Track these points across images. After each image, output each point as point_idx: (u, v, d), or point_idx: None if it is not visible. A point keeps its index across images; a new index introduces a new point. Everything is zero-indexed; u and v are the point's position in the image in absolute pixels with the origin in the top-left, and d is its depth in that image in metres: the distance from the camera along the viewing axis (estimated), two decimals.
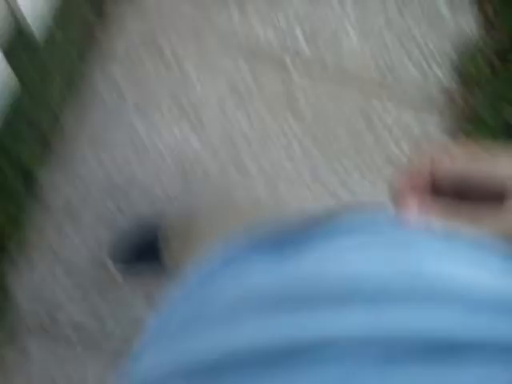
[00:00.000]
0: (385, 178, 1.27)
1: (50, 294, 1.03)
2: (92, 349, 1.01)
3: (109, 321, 1.04)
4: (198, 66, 1.22)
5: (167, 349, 0.27)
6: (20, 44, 1.05)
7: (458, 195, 0.29)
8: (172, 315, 0.30)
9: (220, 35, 1.25)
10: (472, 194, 0.29)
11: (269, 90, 1.24)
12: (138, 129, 1.16)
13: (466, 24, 1.45)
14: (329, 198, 1.23)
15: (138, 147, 1.15)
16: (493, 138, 1.34)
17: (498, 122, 1.35)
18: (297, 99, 1.25)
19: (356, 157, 1.26)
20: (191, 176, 1.16)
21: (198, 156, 1.17)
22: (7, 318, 1.00)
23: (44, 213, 1.07)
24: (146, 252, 1.05)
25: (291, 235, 0.30)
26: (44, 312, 1.02)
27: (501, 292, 0.20)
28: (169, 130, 1.17)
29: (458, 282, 0.21)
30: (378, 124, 1.30)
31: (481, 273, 0.22)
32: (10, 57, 0.97)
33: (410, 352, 0.19)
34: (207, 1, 1.26)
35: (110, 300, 1.05)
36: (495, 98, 1.39)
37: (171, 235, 0.91)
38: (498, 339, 0.19)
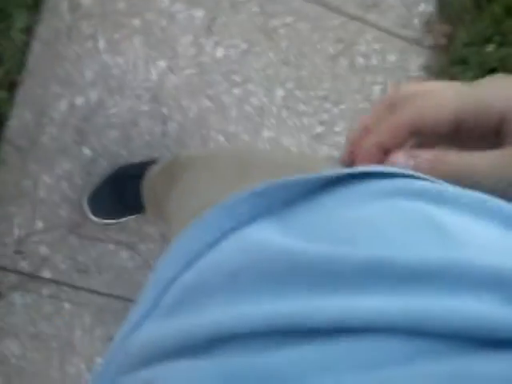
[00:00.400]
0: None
1: (30, 246, 0.98)
2: (79, 305, 0.99)
3: (93, 274, 1.00)
4: None
5: (168, 321, 0.25)
6: None
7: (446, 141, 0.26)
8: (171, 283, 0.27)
9: None
10: (464, 139, 0.26)
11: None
12: (111, 66, 1.06)
13: None
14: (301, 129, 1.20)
15: (112, 86, 1.06)
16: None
17: (482, 64, 1.33)
18: (272, 21, 1.18)
19: (334, 92, 1.22)
20: (169, 117, 1.09)
21: (175, 93, 1.09)
22: None
23: (13, 154, 0.99)
24: (127, 201, 1.00)
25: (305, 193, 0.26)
26: (26, 266, 0.97)
27: None
28: (145, 67, 1.08)
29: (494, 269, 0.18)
30: (359, 58, 1.25)
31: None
32: None
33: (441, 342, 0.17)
34: None
35: (93, 251, 1.01)
36: (480, 38, 1.36)
37: (155, 179, 0.85)
38: None
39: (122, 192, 1.01)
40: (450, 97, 0.26)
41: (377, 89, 1.27)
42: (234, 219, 0.26)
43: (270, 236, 0.24)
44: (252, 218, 0.26)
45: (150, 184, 0.86)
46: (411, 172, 0.25)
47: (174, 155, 0.72)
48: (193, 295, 0.24)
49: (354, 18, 1.26)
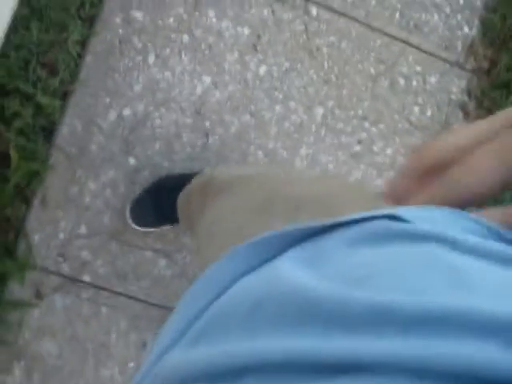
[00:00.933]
0: (402, 141, 1.25)
1: (72, 250, 1.01)
2: (116, 309, 1.01)
3: (131, 280, 1.03)
4: (221, 13, 1.15)
5: (191, 350, 0.26)
6: None
7: None
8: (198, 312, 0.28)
9: None
10: None
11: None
12: (159, 80, 1.10)
13: None
14: (342, 152, 1.20)
15: (159, 99, 1.09)
16: None
17: None
18: (315, 40, 1.20)
19: (373, 110, 1.23)
20: (211, 131, 1.12)
21: (218, 108, 1.12)
22: (31, 274, 0.99)
23: (62, 161, 1.03)
24: (165, 212, 1.03)
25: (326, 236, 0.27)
26: (68, 269, 1.01)
27: None
28: (190, 81, 1.12)
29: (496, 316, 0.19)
30: (399, 79, 1.26)
31: None
32: None
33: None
34: None
35: (132, 258, 1.04)
36: None
37: (191, 195, 0.88)
38: None
39: (161, 202, 1.03)
40: None
41: (416, 110, 1.27)
42: (261, 256, 0.28)
43: (290, 272, 0.25)
44: (276, 255, 0.28)
45: (184, 199, 0.88)
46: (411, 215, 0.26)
47: (210, 175, 0.74)
48: (214, 326, 0.26)
49: (396, 38, 1.27)
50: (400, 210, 0.26)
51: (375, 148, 1.22)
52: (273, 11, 1.18)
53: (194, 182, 0.87)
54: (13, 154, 0.96)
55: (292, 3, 1.20)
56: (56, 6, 1.03)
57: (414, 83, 1.28)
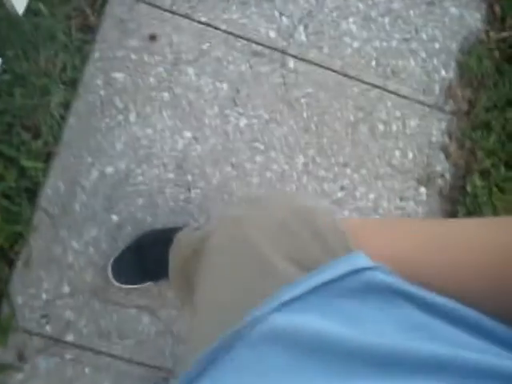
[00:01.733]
0: (383, 181, 1.26)
1: (56, 310, 1.01)
2: (99, 369, 1.00)
3: (115, 339, 1.02)
4: (200, 70, 1.18)
5: None
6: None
7: None
8: None
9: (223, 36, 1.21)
10: None
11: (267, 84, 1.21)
12: (140, 137, 1.13)
13: (474, 22, 1.42)
14: (321, 194, 1.21)
15: (141, 156, 1.12)
16: (500, 146, 1.32)
17: (504, 128, 1.34)
18: (293, 92, 1.23)
19: (354, 155, 1.24)
20: (193, 184, 1.14)
21: (199, 162, 1.14)
22: (14, 336, 0.99)
23: (45, 221, 1.05)
24: (148, 267, 1.03)
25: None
26: (51, 330, 1.00)
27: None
28: (172, 137, 1.14)
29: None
30: (379, 125, 1.28)
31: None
32: None
33: None
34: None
35: (115, 316, 1.03)
36: (502, 102, 1.37)
37: (176, 251, 0.87)
38: None
39: (144, 258, 1.04)
40: None
41: (397, 154, 1.29)
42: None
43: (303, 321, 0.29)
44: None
45: (178, 254, 0.87)
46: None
47: (204, 233, 0.73)
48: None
49: (373, 85, 1.30)
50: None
51: (358, 194, 1.23)
52: (250, 66, 1.22)
53: (186, 238, 0.86)
54: None
55: (269, 57, 1.24)
56: (38, 71, 1.07)
57: (394, 128, 1.30)
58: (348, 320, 0.27)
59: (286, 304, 0.30)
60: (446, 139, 1.33)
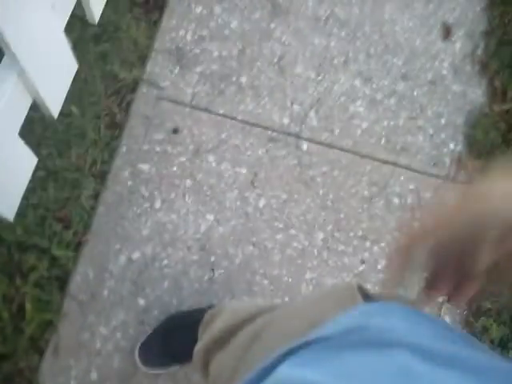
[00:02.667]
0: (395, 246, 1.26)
1: None
2: None
3: None
4: (220, 157, 1.26)
5: None
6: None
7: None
8: None
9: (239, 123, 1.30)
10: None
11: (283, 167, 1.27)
12: (165, 222, 1.18)
13: (476, 97, 1.49)
14: (340, 268, 1.22)
15: (166, 240, 1.17)
16: None
17: None
18: (309, 172, 1.28)
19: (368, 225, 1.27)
20: (217, 265, 1.17)
21: (222, 243, 1.18)
22: None
23: (74, 308, 1.07)
24: (174, 350, 1.03)
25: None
26: None
27: None
28: (195, 221, 1.20)
29: None
30: (394, 199, 1.32)
31: None
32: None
33: None
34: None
35: None
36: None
37: (204, 334, 0.88)
38: None
39: (170, 341, 1.04)
40: None
41: (416, 225, 1.31)
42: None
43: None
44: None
45: (199, 354, 0.87)
46: None
47: (227, 326, 0.73)
48: None
49: (385, 162, 1.36)
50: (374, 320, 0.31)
51: (379, 266, 1.24)
52: (267, 150, 1.30)
53: (206, 336, 0.86)
54: (28, 306, 1.02)
55: (284, 141, 1.31)
56: (70, 166, 1.16)
57: (409, 200, 1.33)
58: (343, 375, 0.28)
59: (287, 355, 0.32)
60: None
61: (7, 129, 0.94)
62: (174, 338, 1.03)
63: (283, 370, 0.31)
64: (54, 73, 1.06)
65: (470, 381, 0.25)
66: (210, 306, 1.09)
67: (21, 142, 1.00)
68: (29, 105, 1.01)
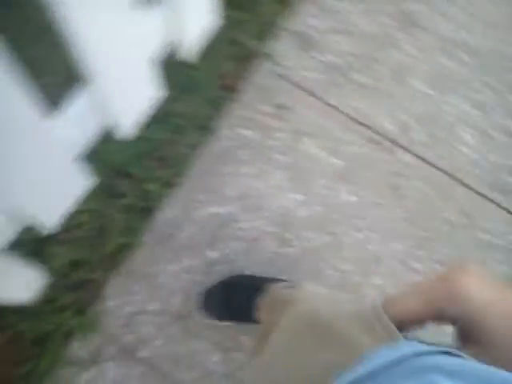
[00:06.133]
0: None
1: (137, 324, 1.06)
2: None
3: (182, 367, 1.04)
4: (318, 141, 1.28)
5: None
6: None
7: None
8: None
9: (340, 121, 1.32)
10: None
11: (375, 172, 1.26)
12: (253, 189, 1.22)
13: None
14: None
15: (249, 206, 1.20)
16: None
17: None
18: (401, 182, 1.26)
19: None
20: (290, 243, 1.18)
21: (300, 224, 1.20)
22: (93, 338, 1.04)
23: (152, 241, 1.13)
24: (232, 309, 1.05)
25: None
26: (127, 342, 1.04)
27: None
28: (281, 196, 1.22)
29: None
30: (480, 234, 1.27)
31: None
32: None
33: None
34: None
35: (189, 345, 1.05)
36: None
37: (265, 302, 0.89)
38: None
39: (230, 298, 1.07)
40: None
41: (501, 268, 1.25)
42: None
43: None
44: None
45: (266, 306, 0.88)
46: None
47: (294, 296, 0.72)
48: None
49: (483, 196, 1.31)
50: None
51: None
52: (365, 149, 1.30)
53: (276, 295, 0.86)
54: (113, 227, 1.08)
55: (383, 145, 1.31)
56: (183, 113, 1.23)
57: (500, 242, 1.28)
58: None
59: None
60: None
61: None
62: (235, 296, 1.06)
63: None
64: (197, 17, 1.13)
65: None
66: (275, 279, 1.11)
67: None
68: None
